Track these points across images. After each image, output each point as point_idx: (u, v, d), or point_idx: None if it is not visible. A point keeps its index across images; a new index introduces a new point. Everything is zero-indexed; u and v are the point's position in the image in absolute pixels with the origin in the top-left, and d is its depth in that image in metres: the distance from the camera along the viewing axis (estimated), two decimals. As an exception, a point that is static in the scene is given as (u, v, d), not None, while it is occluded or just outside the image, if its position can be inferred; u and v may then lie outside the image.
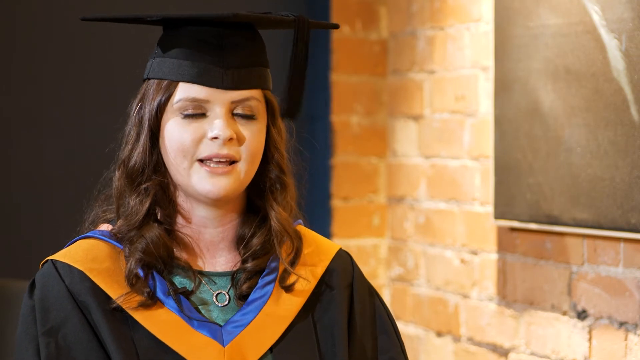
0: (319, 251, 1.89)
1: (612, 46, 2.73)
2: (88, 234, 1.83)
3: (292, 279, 1.83)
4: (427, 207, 3.59)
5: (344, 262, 1.91)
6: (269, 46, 1.86)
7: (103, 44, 3.53)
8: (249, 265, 1.81)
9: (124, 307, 1.74)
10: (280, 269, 1.83)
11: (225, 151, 1.76)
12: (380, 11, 3.81)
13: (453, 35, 3.45)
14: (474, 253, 3.35)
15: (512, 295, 3.17)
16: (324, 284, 1.86)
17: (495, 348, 3.25)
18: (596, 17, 2.77)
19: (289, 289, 1.82)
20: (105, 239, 1.81)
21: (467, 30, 3.38)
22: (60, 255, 1.80)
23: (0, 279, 3.28)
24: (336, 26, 1.94)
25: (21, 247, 3.46)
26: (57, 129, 3.50)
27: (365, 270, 3.71)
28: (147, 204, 1.79)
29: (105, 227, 1.83)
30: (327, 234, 3.78)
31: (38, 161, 3.49)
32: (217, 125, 1.75)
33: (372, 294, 1.92)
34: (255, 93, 1.79)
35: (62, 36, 3.49)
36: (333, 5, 3.78)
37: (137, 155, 1.80)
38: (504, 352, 3.21)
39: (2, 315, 3.14)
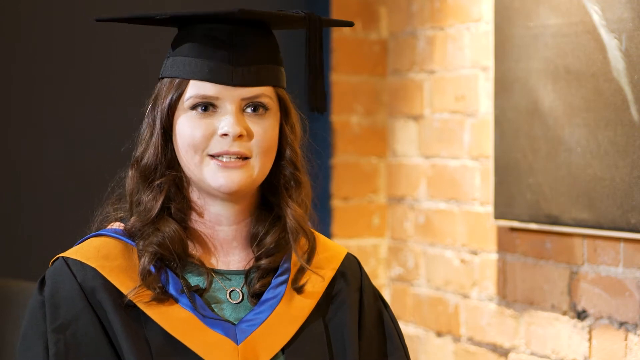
0: (327, 255, 1.90)
1: (612, 46, 2.73)
2: (100, 231, 1.84)
3: (304, 279, 1.84)
4: (427, 207, 3.59)
5: (352, 266, 1.92)
6: (284, 45, 1.86)
7: (104, 44, 3.53)
8: (262, 263, 1.82)
9: (136, 302, 1.74)
10: (293, 270, 1.84)
11: (235, 148, 1.77)
12: (380, 11, 3.81)
13: (453, 35, 3.45)
14: (474, 253, 3.35)
15: (512, 295, 3.17)
16: (335, 286, 1.87)
17: (495, 348, 3.25)
18: (596, 17, 2.77)
19: (301, 290, 1.83)
20: (118, 236, 1.81)
21: (467, 30, 3.38)
22: (72, 253, 1.80)
23: (0, 279, 3.28)
24: (350, 24, 1.94)
25: (21, 247, 3.46)
26: (57, 129, 3.50)
27: (365, 270, 3.71)
28: (160, 200, 1.80)
29: (117, 225, 1.84)
30: (327, 234, 3.78)
31: (38, 161, 3.49)
32: (226, 122, 1.76)
33: (377, 298, 1.93)
34: (266, 90, 1.80)
35: (62, 36, 3.49)
36: (333, 5, 3.78)
37: (150, 154, 1.81)
38: (504, 352, 3.21)
39: (2, 315, 3.14)
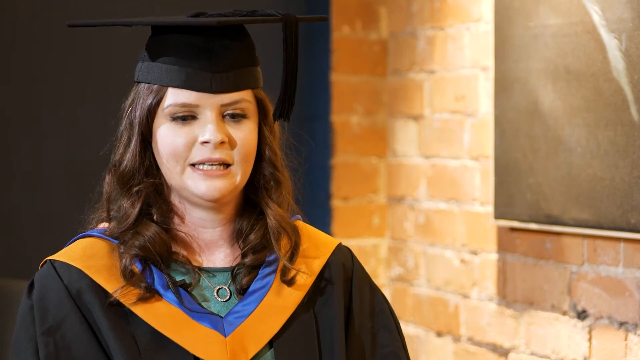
0: (317, 245, 1.90)
1: (612, 46, 2.73)
2: (86, 232, 1.84)
3: (292, 273, 1.83)
4: (427, 207, 3.59)
5: (343, 257, 1.92)
6: (261, 42, 1.86)
7: (103, 43, 3.53)
8: (247, 260, 1.82)
9: (122, 302, 1.74)
10: (280, 263, 1.84)
11: (217, 155, 1.76)
12: (380, 11, 3.81)
13: (453, 35, 3.45)
14: (474, 253, 3.35)
15: (512, 295, 3.17)
16: (324, 277, 1.87)
17: (495, 348, 3.25)
18: (596, 17, 2.77)
19: (289, 281, 1.83)
20: (104, 236, 1.82)
21: (467, 30, 3.38)
22: (59, 255, 1.80)
23: (0, 279, 3.28)
24: (324, 19, 1.94)
25: (21, 247, 3.46)
26: (57, 129, 3.50)
27: (363, 265, 3.71)
28: (138, 207, 1.80)
29: (103, 225, 1.84)
30: (327, 234, 3.78)
31: (38, 161, 3.49)
32: (208, 129, 1.76)
33: (373, 289, 1.92)
34: (245, 94, 1.79)
35: (62, 36, 3.49)
36: (333, 5, 3.78)
37: (127, 159, 1.81)
38: (504, 352, 3.21)
39: (2, 315, 3.14)
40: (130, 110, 1.81)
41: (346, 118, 3.80)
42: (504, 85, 3.10)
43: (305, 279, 1.84)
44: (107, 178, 1.83)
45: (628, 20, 2.68)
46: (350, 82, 3.80)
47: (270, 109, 1.84)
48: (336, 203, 3.80)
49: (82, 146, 3.49)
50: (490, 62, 3.19)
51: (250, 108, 1.80)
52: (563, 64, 2.88)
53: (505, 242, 3.20)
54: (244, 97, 1.79)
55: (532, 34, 2.99)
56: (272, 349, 1.79)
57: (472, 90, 3.36)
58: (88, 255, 1.79)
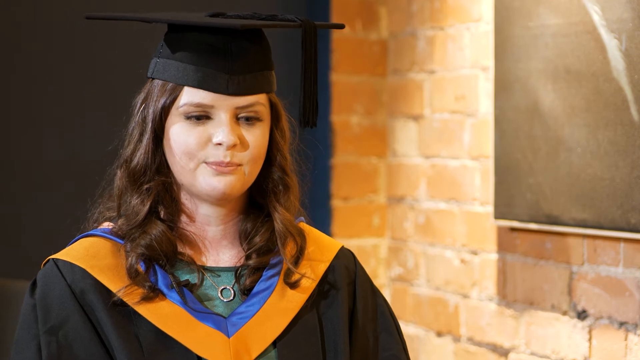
0: (321, 249, 1.91)
1: (612, 46, 2.73)
2: (89, 232, 1.84)
3: (296, 276, 1.84)
4: (427, 207, 3.59)
5: (346, 260, 1.93)
6: (275, 46, 1.86)
7: (104, 42, 3.53)
8: (252, 261, 1.82)
9: (126, 301, 1.74)
10: (284, 265, 1.84)
11: (229, 159, 1.77)
12: (380, 11, 3.81)
13: (453, 35, 3.45)
14: (474, 253, 3.35)
15: (512, 295, 3.17)
16: (327, 281, 1.88)
17: (495, 348, 3.25)
18: (596, 17, 2.77)
19: (292, 283, 1.83)
20: (107, 235, 1.82)
21: (467, 30, 3.38)
22: (62, 254, 1.80)
23: (0, 279, 3.28)
24: (341, 26, 1.94)
25: (21, 247, 3.46)
26: (57, 129, 3.50)
27: (363, 267, 3.71)
28: (148, 204, 1.80)
29: (107, 224, 1.84)
30: (327, 234, 3.77)
31: (38, 161, 3.49)
32: (221, 131, 1.76)
33: (374, 292, 1.93)
34: (259, 98, 1.79)
35: (63, 35, 3.49)
36: (333, 5, 3.78)
37: (139, 156, 1.81)
38: (504, 352, 3.21)
39: (2, 315, 3.14)
40: (143, 107, 1.81)
41: (346, 118, 3.80)
42: (504, 85, 3.10)
43: (309, 282, 1.85)
44: (119, 173, 1.83)
45: (628, 20, 2.68)
46: (350, 82, 3.80)
47: (283, 113, 1.85)
48: (336, 203, 3.80)
49: (82, 146, 3.49)
50: (490, 62, 3.19)
51: (264, 112, 1.80)
52: (563, 64, 2.88)
53: (505, 242, 3.20)
54: (259, 101, 1.79)
55: (532, 34, 2.99)
56: (276, 350, 1.79)
57: (472, 90, 3.36)
58: (91, 254, 1.79)
